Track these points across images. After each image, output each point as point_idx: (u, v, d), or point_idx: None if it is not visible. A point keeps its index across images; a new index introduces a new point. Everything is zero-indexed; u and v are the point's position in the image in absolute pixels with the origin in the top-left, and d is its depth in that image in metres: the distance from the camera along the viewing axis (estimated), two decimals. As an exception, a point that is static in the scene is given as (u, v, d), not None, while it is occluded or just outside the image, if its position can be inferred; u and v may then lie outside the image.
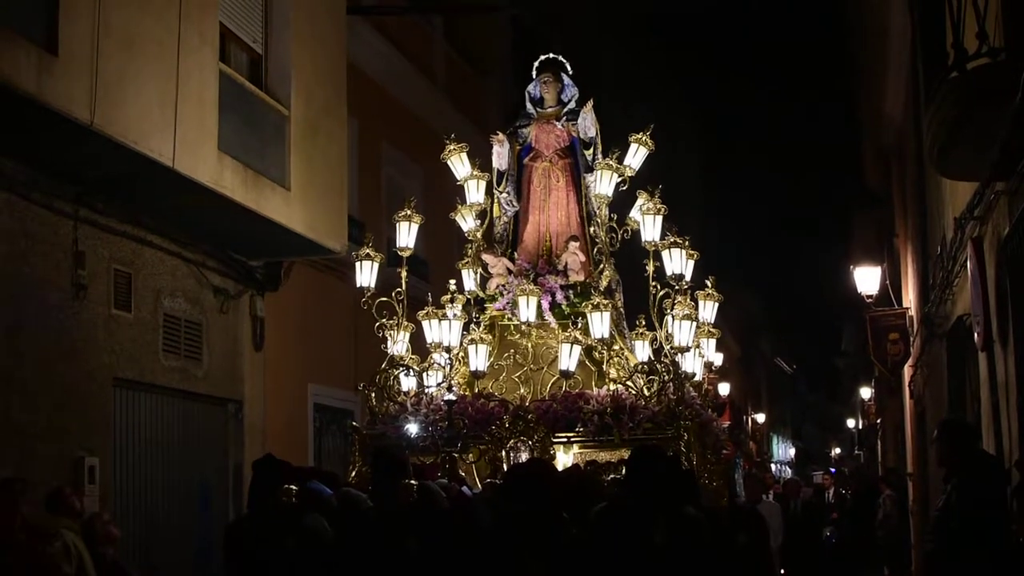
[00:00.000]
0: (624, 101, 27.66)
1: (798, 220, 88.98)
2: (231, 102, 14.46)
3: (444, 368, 13.84)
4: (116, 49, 12.08)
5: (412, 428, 13.17)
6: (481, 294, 14.71)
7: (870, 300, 21.69)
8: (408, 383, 13.92)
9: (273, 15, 16.14)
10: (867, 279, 21.97)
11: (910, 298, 21.42)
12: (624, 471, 9.60)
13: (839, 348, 56.31)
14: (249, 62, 15.77)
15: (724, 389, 41.87)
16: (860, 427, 52.68)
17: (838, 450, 77.75)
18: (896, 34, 19.08)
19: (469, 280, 14.91)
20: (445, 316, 13.76)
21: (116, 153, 12.25)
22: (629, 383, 13.42)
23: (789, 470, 69.85)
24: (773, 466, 64.22)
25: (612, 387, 13.58)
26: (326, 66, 17.16)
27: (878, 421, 37.41)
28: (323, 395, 18.78)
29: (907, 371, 22.22)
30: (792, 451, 79.13)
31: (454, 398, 13.12)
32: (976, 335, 11.82)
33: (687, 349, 13.53)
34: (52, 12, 11.28)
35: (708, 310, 14.47)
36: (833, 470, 47.67)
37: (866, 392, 41.66)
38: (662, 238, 13.64)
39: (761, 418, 60.89)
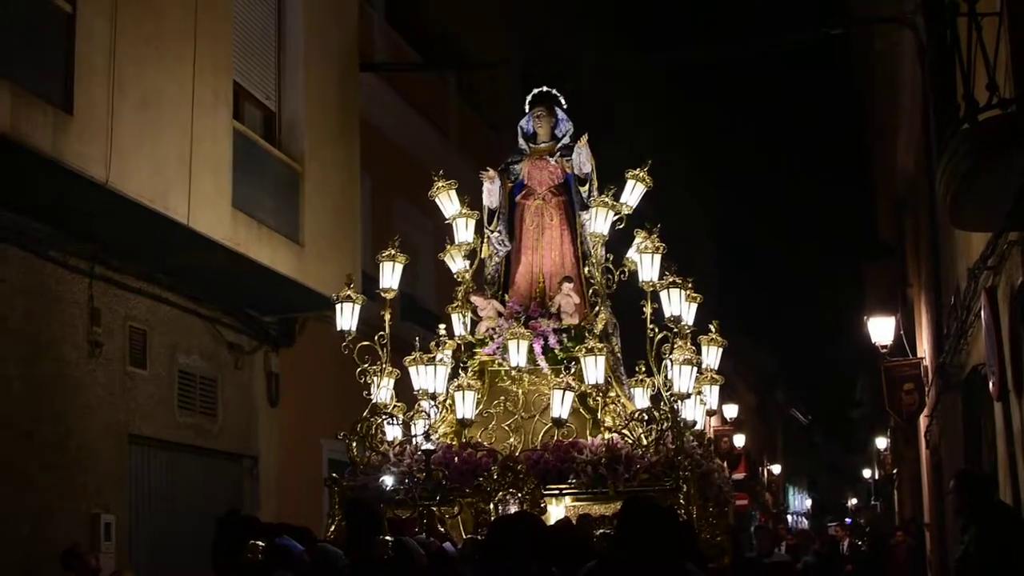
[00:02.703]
0: (632, 147, 27.72)
1: (812, 271, 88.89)
2: (245, 159, 14.55)
3: (429, 416, 13.07)
4: (131, 108, 12.18)
5: (387, 480, 12.48)
6: (470, 338, 13.84)
7: (884, 350, 21.68)
8: (394, 432, 13.17)
9: (286, 72, 16.27)
10: (881, 329, 21.97)
11: (924, 348, 21.39)
12: (615, 525, 8.84)
13: (854, 398, 56.15)
14: (263, 119, 15.87)
15: (739, 440, 41.85)
16: (876, 477, 52.42)
17: (854, 500, 77.41)
18: (907, 86, 19.15)
19: (459, 325, 14.03)
20: (432, 361, 13.07)
21: (131, 211, 12.33)
22: (625, 431, 12.64)
23: (805, 521, 69.63)
24: (789, 517, 64.00)
25: (607, 436, 12.72)
26: (339, 122, 17.26)
27: (894, 471, 37.28)
28: (338, 450, 18.69)
29: (923, 421, 22.18)
30: (808, 502, 78.81)
31: (432, 447, 12.32)
32: (991, 385, 11.81)
33: (687, 396, 12.65)
34: (68, 72, 11.39)
35: (711, 355, 13.61)
36: (849, 520, 47.41)
37: (882, 442, 41.51)
38: (661, 278, 12.88)
39: (777, 469, 60.69)
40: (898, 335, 22.30)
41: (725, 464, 39.61)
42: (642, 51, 35.00)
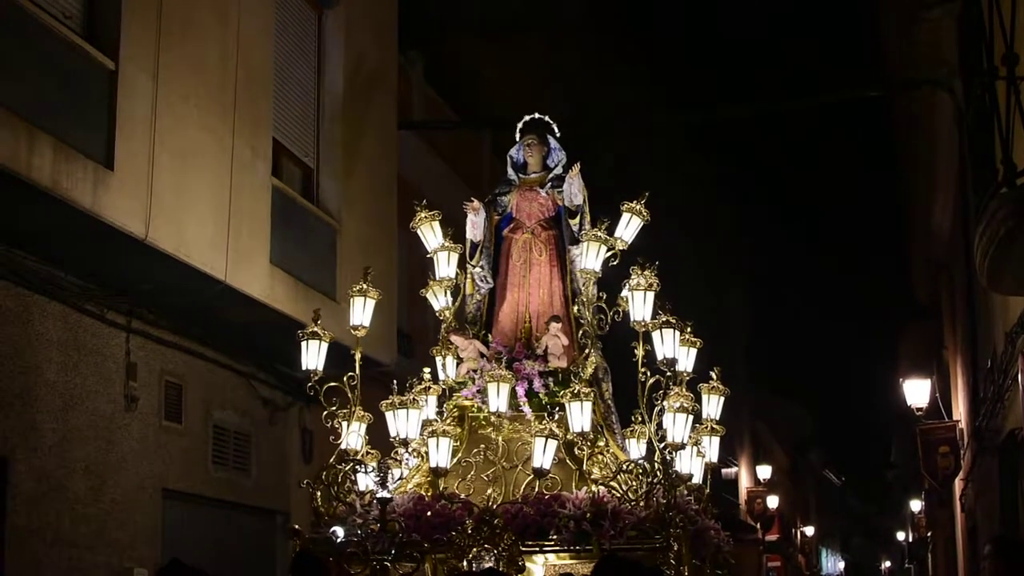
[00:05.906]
0: (667, 214, 27.75)
1: (847, 332, 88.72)
2: (283, 216, 14.62)
3: (402, 464, 11.97)
4: (171, 164, 12.27)
5: (338, 531, 11.42)
6: (450, 382, 12.67)
7: (920, 413, 21.59)
8: (366, 481, 11.85)
9: (324, 130, 16.36)
10: (917, 392, 21.89)
11: (960, 411, 21.28)
12: None
13: (888, 460, 55.77)
14: (301, 176, 15.95)
15: (773, 502, 41.64)
16: (910, 540, 52.10)
17: (888, 563, 76.91)
18: (944, 149, 19.13)
19: (441, 368, 12.91)
20: (409, 405, 11.91)
21: (169, 266, 12.40)
22: (613, 484, 11.50)
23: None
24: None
25: (593, 489, 11.55)
26: (376, 180, 17.34)
27: (929, 534, 37.02)
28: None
29: (958, 484, 22.02)
30: (841, 564, 78.30)
31: (388, 496, 11.23)
32: (1028, 450, 11.75)
33: (681, 447, 11.53)
34: (110, 127, 11.49)
35: (712, 405, 12.52)
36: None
37: (916, 505, 41.27)
38: (654, 317, 11.67)
39: (810, 531, 60.34)
40: (934, 397, 22.20)
41: (756, 525, 39.42)
42: (678, 109, 35.07)
